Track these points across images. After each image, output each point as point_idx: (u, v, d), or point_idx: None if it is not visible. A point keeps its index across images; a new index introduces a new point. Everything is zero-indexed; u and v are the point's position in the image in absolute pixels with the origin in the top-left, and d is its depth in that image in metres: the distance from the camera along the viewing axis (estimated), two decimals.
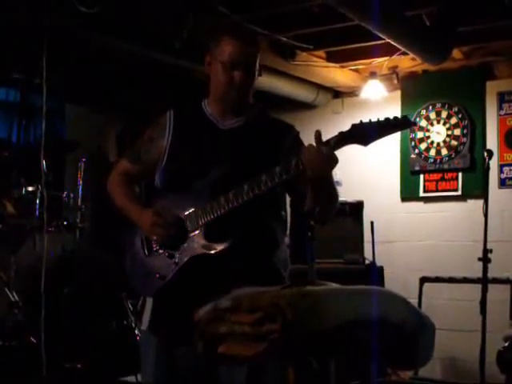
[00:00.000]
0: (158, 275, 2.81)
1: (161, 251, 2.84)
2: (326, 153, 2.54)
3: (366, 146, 2.58)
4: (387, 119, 2.54)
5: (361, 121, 2.56)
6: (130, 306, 5.41)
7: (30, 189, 5.04)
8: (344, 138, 2.58)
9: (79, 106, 6.89)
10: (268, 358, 2.22)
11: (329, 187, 2.71)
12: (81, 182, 5.57)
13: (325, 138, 2.58)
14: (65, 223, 5.30)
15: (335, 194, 2.76)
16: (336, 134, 2.59)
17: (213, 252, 2.71)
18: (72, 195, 5.46)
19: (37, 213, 4.93)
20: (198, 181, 2.77)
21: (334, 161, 2.57)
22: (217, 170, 2.75)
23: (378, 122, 2.54)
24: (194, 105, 3.00)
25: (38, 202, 4.93)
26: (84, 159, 5.68)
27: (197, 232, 2.76)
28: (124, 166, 3.06)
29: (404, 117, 2.58)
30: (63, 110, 6.82)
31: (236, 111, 2.90)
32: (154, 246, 2.87)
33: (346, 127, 3.12)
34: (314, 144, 2.56)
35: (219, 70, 2.83)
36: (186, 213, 2.80)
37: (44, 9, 3.97)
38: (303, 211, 2.79)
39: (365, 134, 2.56)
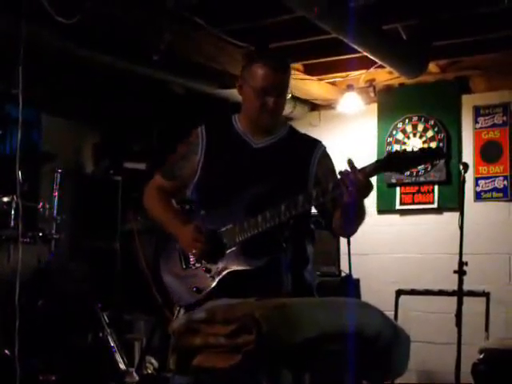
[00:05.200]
0: (194, 288, 2.88)
1: (198, 265, 2.91)
2: (363, 180, 2.58)
3: (401, 174, 2.69)
4: (422, 149, 2.61)
5: (396, 150, 2.66)
6: (105, 318, 5.37)
7: (5, 199, 4.99)
8: (379, 166, 2.64)
9: (56, 117, 6.84)
10: (243, 370, 2.22)
11: (360, 209, 2.75)
12: (56, 193, 5.54)
13: None
14: (40, 234, 5.26)
15: (364, 213, 2.81)
16: (372, 162, 2.66)
17: (250, 268, 2.77)
18: (47, 206, 5.43)
19: (12, 223, 4.89)
20: (233, 198, 2.85)
21: (370, 188, 2.64)
22: (253, 188, 2.83)
23: (413, 151, 2.62)
24: (225, 120, 3.08)
25: (13, 212, 4.89)
26: (60, 170, 5.65)
27: (234, 248, 2.82)
28: (159, 182, 3.13)
29: (437, 148, 2.69)
30: (40, 120, 6.78)
31: (268, 131, 2.99)
32: (192, 259, 2.93)
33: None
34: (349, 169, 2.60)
35: (251, 95, 2.91)
36: (223, 229, 2.86)
37: (21, 19, 3.94)
38: (329, 227, 2.91)
39: (400, 162, 2.61)
